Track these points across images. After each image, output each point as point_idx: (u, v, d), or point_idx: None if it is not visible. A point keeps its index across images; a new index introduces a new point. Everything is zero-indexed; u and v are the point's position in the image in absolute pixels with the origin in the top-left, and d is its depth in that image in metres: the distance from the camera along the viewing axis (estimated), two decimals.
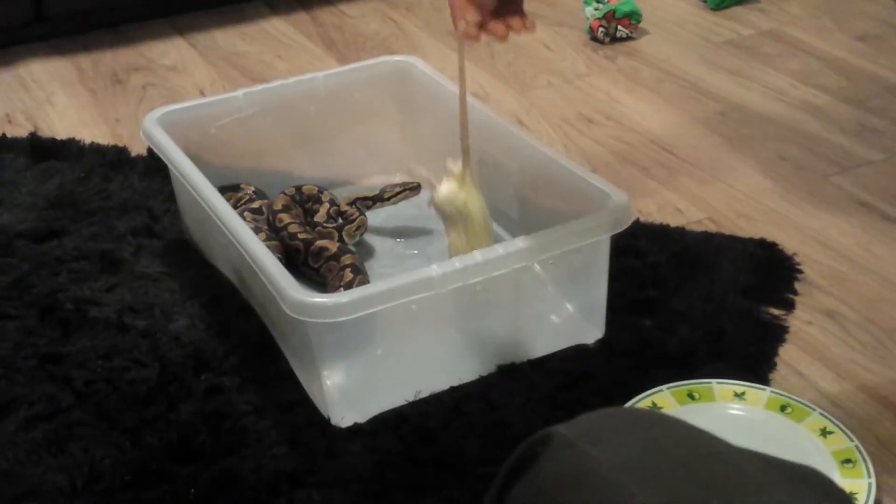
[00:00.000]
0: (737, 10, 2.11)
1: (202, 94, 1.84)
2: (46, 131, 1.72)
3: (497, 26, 1.10)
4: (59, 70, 1.95)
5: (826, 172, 1.56)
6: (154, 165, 1.53)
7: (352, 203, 1.42)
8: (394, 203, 1.43)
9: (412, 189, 1.43)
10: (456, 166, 1.18)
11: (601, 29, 1.97)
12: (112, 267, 1.36)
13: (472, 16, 1.09)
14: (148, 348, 1.21)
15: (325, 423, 1.11)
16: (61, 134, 1.71)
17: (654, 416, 0.74)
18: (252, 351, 1.21)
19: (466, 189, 1.18)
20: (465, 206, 1.19)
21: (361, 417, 1.12)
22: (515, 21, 1.10)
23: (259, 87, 1.49)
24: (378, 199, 1.43)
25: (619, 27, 1.98)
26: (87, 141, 1.67)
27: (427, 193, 1.46)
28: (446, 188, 1.19)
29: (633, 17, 1.98)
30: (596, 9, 1.97)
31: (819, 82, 1.82)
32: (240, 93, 1.46)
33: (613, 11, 1.96)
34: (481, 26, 1.09)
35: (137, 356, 1.20)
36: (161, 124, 1.36)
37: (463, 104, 1.18)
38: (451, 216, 1.20)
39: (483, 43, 1.12)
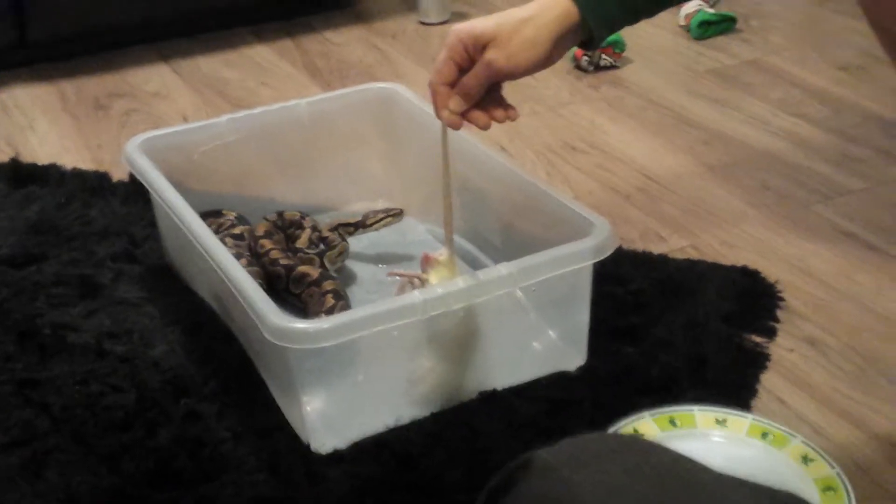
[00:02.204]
0: (719, 40, 2.12)
1: (185, 120, 1.84)
2: (28, 157, 1.72)
3: (480, 116, 1.10)
4: (41, 96, 1.95)
5: (808, 201, 1.56)
6: (135, 191, 1.53)
7: (334, 229, 1.41)
8: (376, 229, 1.43)
9: (395, 215, 1.43)
10: (442, 255, 1.16)
11: (585, 57, 1.98)
12: (91, 292, 1.35)
13: (456, 105, 1.09)
14: (126, 374, 1.20)
15: (305, 449, 1.11)
16: (43, 160, 1.70)
17: (637, 442, 0.74)
18: (232, 377, 1.20)
19: (456, 275, 1.16)
20: None
21: (342, 443, 1.11)
22: (498, 112, 1.10)
23: (242, 113, 1.48)
24: (360, 226, 1.42)
25: (603, 56, 1.98)
26: (69, 167, 1.67)
27: (410, 221, 1.46)
28: (439, 280, 1.15)
29: (616, 46, 1.99)
30: None
31: (801, 112, 1.83)
32: (223, 119, 1.45)
33: None
34: (464, 114, 1.09)
35: (115, 382, 1.19)
36: (143, 150, 1.36)
37: (447, 190, 1.15)
38: None
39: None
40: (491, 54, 1.06)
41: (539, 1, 1.08)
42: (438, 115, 1.10)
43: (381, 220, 1.43)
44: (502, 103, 1.12)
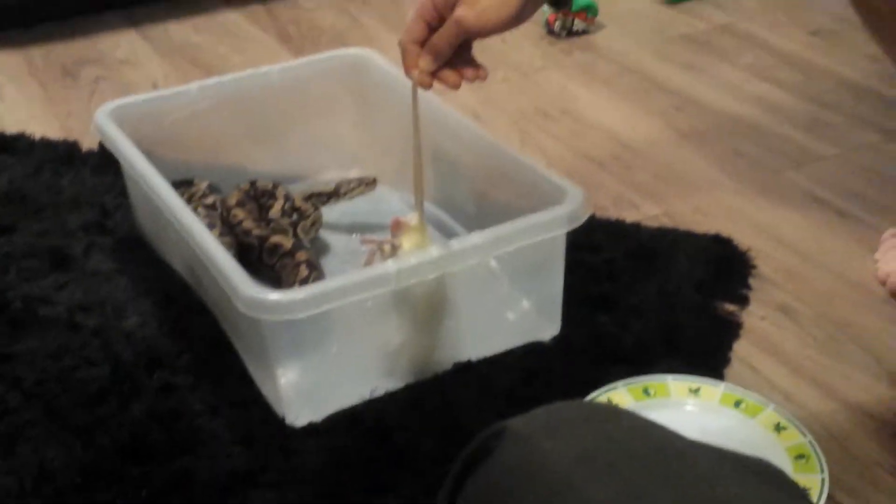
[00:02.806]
0: (692, 5, 2.11)
1: (155, 87, 1.82)
2: None
3: (450, 75, 1.10)
4: (8, 63, 1.92)
5: (780, 168, 1.56)
6: (106, 160, 1.51)
7: (307, 199, 1.41)
8: (349, 198, 1.42)
9: (368, 184, 1.42)
10: (412, 220, 1.15)
11: (557, 22, 1.97)
12: (62, 264, 1.34)
13: (426, 64, 1.09)
14: (99, 347, 1.20)
15: (279, 422, 1.10)
16: (11, 128, 1.68)
17: (610, 410, 0.74)
18: (206, 349, 1.20)
19: (426, 240, 1.16)
20: None
21: (317, 416, 1.11)
22: (468, 71, 1.11)
23: (213, 80, 1.47)
24: (334, 195, 1.42)
25: (576, 21, 1.97)
26: (38, 135, 1.65)
27: (384, 190, 1.46)
28: (411, 245, 1.14)
29: (589, 11, 1.98)
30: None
31: (773, 77, 1.83)
32: (194, 86, 1.44)
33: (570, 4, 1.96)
34: (434, 74, 1.10)
35: (88, 355, 1.19)
36: (113, 118, 1.34)
37: (417, 152, 1.15)
38: None
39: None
40: (460, 11, 1.06)
41: None
42: (408, 74, 1.11)
43: (355, 189, 1.42)
44: (472, 63, 1.12)
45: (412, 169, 1.15)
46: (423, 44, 1.09)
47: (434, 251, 1.10)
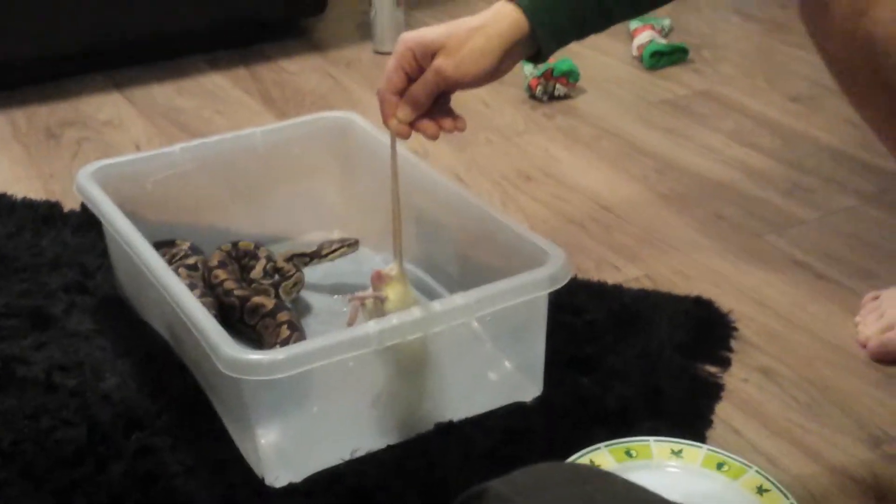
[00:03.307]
0: (671, 70, 2.14)
1: (138, 149, 1.82)
2: None
3: (428, 125, 1.11)
4: None
5: (761, 231, 1.57)
6: (87, 221, 1.51)
7: (289, 259, 1.41)
8: (331, 259, 1.42)
9: (350, 245, 1.43)
10: (393, 270, 1.13)
11: (539, 87, 1.99)
12: (42, 324, 1.33)
13: (404, 114, 1.10)
14: (77, 407, 1.18)
15: (259, 482, 1.09)
16: None
17: (590, 471, 0.74)
18: (185, 410, 1.19)
19: (409, 290, 1.15)
20: (415, 303, 1.15)
21: (296, 477, 1.10)
22: (447, 121, 1.12)
23: (196, 141, 1.47)
24: (315, 256, 1.42)
25: (558, 85, 1.99)
26: (20, 196, 1.65)
27: (366, 251, 1.46)
28: (395, 295, 1.13)
29: (570, 76, 2.00)
30: (534, 67, 1.99)
31: (753, 142, 1.85)
32: (176, 147, 1.44)
33: (552, 70, 1.98)
34: (412, 124, 1.10)
35: (66, 416, 1.17)
36: (95, 179, 1.34)
37: (396, 202, 1.14)
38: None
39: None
40: (440, 61, 1.06)
41: (489, 11, 1.09)
42: (386, 124, 1.11)
43: (337, 250, 1.42)
44: (450, 113, 1.13)
45: (391, 219, 1.14)
46: (401, 94, 1.10)
47: (416, 312, 1.10)
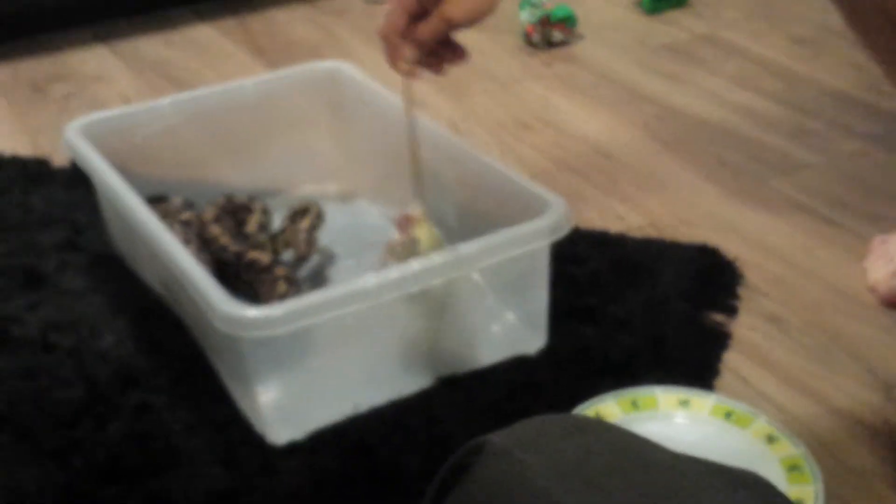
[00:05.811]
0: (672, 15, 2.10)
1: (127, 103, 1.79)
2: None
3: (432, 62, 1.10)
4: None
5: (765, 176, 1.55)
6: (77, 177, 1.48)
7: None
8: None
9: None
10: (417, 210, 1.12)
11: (536, 34, 1.96)
12: (35, 283, 1.31)
13: (412, 56, 1.08)
14: (73, 367, 1.17)
15: (260, 440, 1.08)
16: None
17: (591, 423, 0.73)
18: (183, 367, 1.17)
19: (434, 230, 1.13)
20: (442, 243, 1.13)
21: (298, 434, 1.08)
22: (449, 54, 1.11)
23: (186, 94, 1.45)
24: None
25: (555, 32, 1.96)
26: (7, 153, 1.62)
27: (362, 204, 1.43)
28: (427, 237, 1.11)
29: (568, 22, 1.96)
30: (531, 14, 1.96)
31: (756, 86, 1.82)
32: (166, 101, 1.41)
33: (549, 16, 1.94)
34: (417, 62, 1.09)
35: (62, 375, 1.16)
36: (84, 134, 1.32)
37: (414, 146, 1.13)
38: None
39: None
40: (446, 9, 1.04)
41: None
42: (394, 67, 1.09)
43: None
44: (451, 45, 1.11)
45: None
46: (403, 34, 1.08)
47: (416, 265, 1.07)
